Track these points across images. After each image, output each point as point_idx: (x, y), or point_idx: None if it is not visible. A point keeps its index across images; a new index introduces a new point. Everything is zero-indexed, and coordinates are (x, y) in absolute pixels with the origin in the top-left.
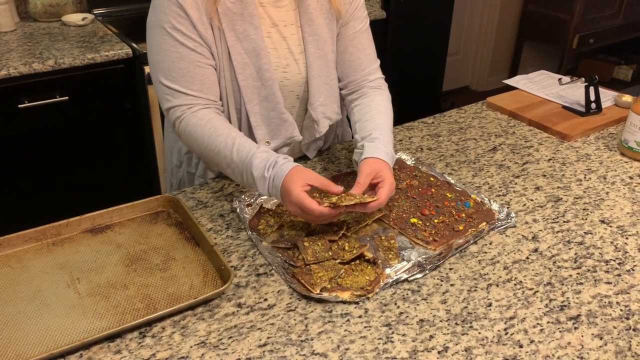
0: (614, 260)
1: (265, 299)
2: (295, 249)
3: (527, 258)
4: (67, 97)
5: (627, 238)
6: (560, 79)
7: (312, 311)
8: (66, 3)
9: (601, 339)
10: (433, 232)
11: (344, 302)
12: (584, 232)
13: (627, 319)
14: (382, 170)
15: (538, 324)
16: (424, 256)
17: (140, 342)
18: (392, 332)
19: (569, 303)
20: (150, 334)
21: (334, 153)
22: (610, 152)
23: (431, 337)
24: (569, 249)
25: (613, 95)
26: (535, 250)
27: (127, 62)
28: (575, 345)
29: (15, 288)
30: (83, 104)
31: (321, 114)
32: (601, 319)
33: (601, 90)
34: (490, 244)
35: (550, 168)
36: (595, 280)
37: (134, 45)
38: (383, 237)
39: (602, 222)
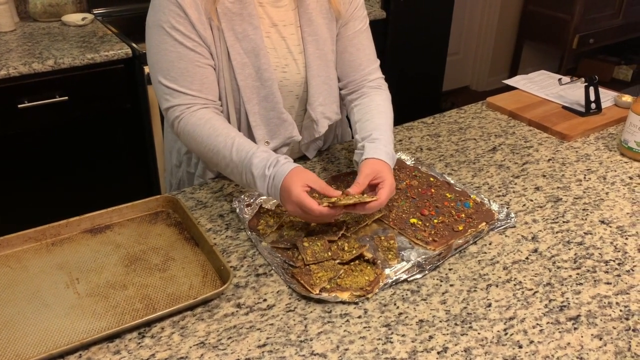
0: (614, 261)
1: (265, 299)
2: (295, 249)
3: (527, 258)
4: (66, 97)
5: (626, 238)
6: (560, 79)
7: (311, 311)
8: (66, 3)
9: (601, 339)
10: (432, 232)
11: (344, 303)
12: (584, 233)
13: (627, 319)
14: (382, 171)
15: (537, 324)
16: (423, 256)
17: (139, 343)
18: (392, 333)
19: (569, 303)
20: (150, 334)
21: (334, 153)
22: (610, 153)
23: (430, 337)
24: (569, 249)
25: (613, 95)
26: (535, 250)
27: (126, 62)
28: (575, 345)
29: (14, 288)
30: (83, 104)
31: (320, 114)
32: (601, 320)
33: (601, 90)
34: (490, 244)
35: (550, 168)
36: (594, 281)
37: (134, 45)
38: (382, 238)
39: (602, 222)
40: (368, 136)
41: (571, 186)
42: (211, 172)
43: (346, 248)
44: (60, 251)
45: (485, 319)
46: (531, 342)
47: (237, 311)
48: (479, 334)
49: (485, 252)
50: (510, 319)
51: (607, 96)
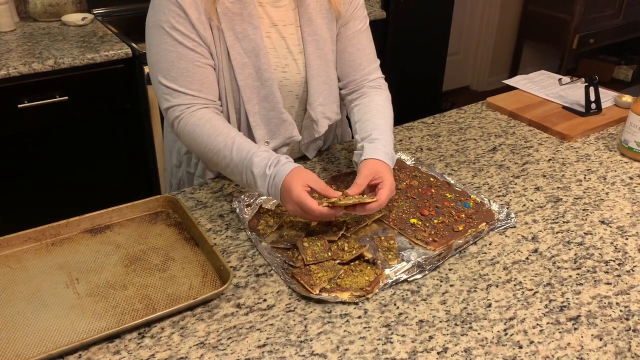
0: (614, 261)
1: (265, 300)
2: (295, 250)
3: (527, 259)
4: (66, 97)
5: (627, 239)
6: (560, 79)
7: (311, 312)
8: (66, 3)
9: (601, 339)
10: (433, 232)
11: (344, 303)
12: (584, 233)
13: (627, 319)
14: (381, 172)
15: (538, 324)
16: (423, 257)
17: (139, 343)
18: (392, 333)
19: (569, 304)
20: (150, 334)
21: (334, 153)
22: (610, 153)
23: (430, 337)
24: (569, 249)
25: (613, 95)
26: (535, 250)
27: (126, 62)
28: (575, 346)
29: (14, 288)
30: (83, 104)
31: (320, 113)
32: (601, 320)
33: (601, 90)
34: (490, 244)
35: (550, 168)
36: (595, 281)
37: (134, 45)
38: (382, 238)
39: (602, 222)
40: (367, 136)
41: (571, 186)
42: (211, 172)
43: (346, 248)
44: (60, 251)
45: (486, 319)
46: (531, 342)
47: (237, 311)
48: (479, 334)
49: (486, 253)
50: (511, 319)
51: (607, 96)
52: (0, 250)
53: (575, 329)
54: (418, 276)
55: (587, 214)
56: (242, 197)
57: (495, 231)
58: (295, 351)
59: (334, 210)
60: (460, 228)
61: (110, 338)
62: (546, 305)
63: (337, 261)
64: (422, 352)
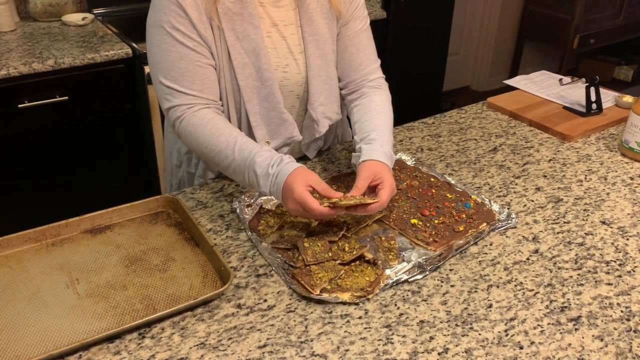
0: (615, 262)
1: (265, 300)
2: (295, 250)
3: (528, 259)
4: (67, 97)
5: (627, 239)
6: (560, 80)
7: (311, 312)
8: (66, 3)
9: (602, 340)
10: (433, 232)
11: (344, 303)
12: (585, 233)
13: (628, 320)
14: (380, 172)
15: (538, 325)
16: (424, 257)
17: (139, 343)
18: (392, 334)
19: (570, 304)
20: (150, 334)
21: (334, 153)
22: (611, 153)
23: (431, 338)
24: (570, 250)
25: (614, 95)
26: (536, 251)
27: (127, 62)
28: (576, 346)
29: (14, 289)
30: (83, 104)
31: (321, 113)
32: (602, 320)
33: (602, 90)
34: (491, 244)
35: (550, 169)
36: (595, 282)
37: (134, 45)
38: (383, 238)
39: (603, 223)
40: (365, 137)
41: (572, 187)
42: (212, 172)
43: (347, 249)
44: (60, 251)
45: (486, 319)
46: (532, 343)
47: (237, 312)
48: (479, 334)
49: (486, 253)
50: (511, 319)
51: (608, 96)
52: (1, 251)
53: (576, 329)
54: (419, 277)
55: (588, 215)
56: (243, 197)
57: (496, 231)
58: (296, 352)
59: (334, 209)
60: (461, 228)
61: (110, 338)
62: (547, 305)
63: (338, 261)
64: (422, 352)
